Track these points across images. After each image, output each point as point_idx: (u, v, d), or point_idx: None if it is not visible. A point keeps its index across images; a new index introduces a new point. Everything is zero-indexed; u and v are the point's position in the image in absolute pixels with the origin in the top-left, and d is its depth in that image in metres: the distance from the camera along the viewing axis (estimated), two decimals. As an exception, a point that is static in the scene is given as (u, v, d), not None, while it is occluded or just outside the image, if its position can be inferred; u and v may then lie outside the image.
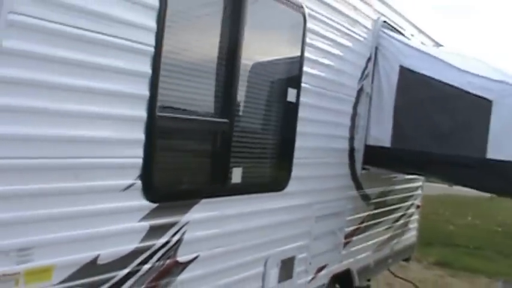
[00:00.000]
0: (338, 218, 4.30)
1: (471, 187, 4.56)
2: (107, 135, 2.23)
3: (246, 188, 3.15)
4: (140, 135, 2.36)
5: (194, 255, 2.75)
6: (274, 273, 3.44)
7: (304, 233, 3.81)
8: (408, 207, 6.07)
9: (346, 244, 4.46)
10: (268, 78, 3.41)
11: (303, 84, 3.55)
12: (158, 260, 2.52)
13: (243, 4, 2.87)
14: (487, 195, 9.85)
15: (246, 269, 3.19)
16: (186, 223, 2.67)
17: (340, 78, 4.08)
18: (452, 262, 8.41)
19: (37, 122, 1.96)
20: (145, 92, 2.35)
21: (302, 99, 3.54)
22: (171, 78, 2.50)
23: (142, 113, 2.35)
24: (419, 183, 6.43)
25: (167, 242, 2.57)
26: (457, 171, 4.20)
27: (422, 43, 5.58)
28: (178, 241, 2.64)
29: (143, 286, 2.45)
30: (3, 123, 1.87)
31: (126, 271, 2.35)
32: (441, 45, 6.27)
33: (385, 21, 4.64)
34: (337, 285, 4.49)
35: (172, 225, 2.59)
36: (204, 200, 2.78)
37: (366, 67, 4.44)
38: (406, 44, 4.61)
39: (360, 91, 4.38)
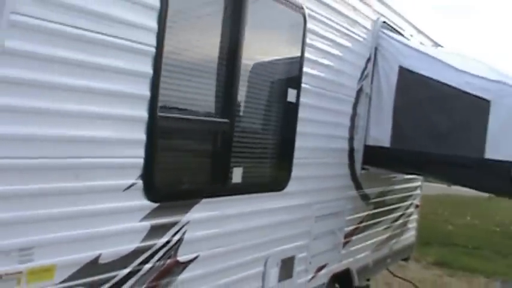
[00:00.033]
0: (338, 217, 4.31)
1: (469, 187, 4.58)
2: (108, 136, 2.24)
3: (247, 188, 3.16)
4: (141, 135, 2.37)
5: (195, 254, 2.76)
6: (274, 272, 3.45)
7: (304, 233, 3.82)
8: (407, 207, 6.08)
9: (345, 244, 4.47)
10: (268, 79, 3.42)
11: (303, 85, 3.55)
12: (159, 259, 2.53)
13: (243, 5, 2.88)
14: (486, 195, 9.88)
15: (246, 269, 3.21)
16: (187, 223, 2.68)
17: (340, 79, 4.09)
18: (451, 262, 8.43)
19: (39, 122, 1.97)
20: (147, 92, 2.36)
21: (302, 99, 3.55)
22: (172, 78, 2.51)
23: (143, 113, 2.36)
24: (418, 183, 6.44)
25: (168, 242, 2.58)
26: (456, 171, 4.21)
27: (421, 43, 5.59)
28: (179, 241, 2.65)
29: (144, 286, 2.46)
30: (7, 123, 1.87)
31: (127, 271, 2.36)
32: (440, 46, 6.28)
33: (384, 22, 4.66)
34: (337, 285, 4.50)
35: (173, 225, 2.60)
36: (204, 200, 2.79)
37: (366, 67, 4.45)
38: (406, 45, 4.62)
39: (359, 91, 4.39)
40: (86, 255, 2.18)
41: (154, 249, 2.50)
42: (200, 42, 2.80)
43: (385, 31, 4.60)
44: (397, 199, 5.65)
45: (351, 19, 4.13)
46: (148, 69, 2.35)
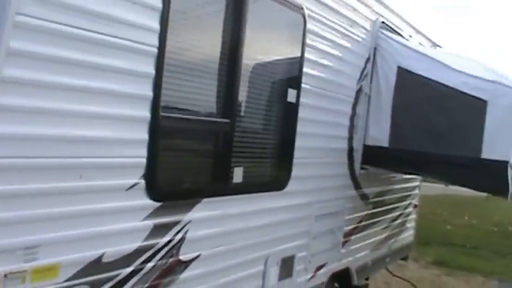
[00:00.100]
0: (337, 217, 4.33)
1: (467, 187, 4.61)
2: (111, 135, 2.26)
3: (247, 188, 3.18)
4: (144, 135, 2.39)
5: (196, 253, 2.78)
6: (274, 271, 3.47)
7: (303, 232, 3.84)
8: (406, 207, 6.10)
9: (345, 243, 4.49)
10: (268, 79, 3.44)
11: (303, 85, 3.58)
12: (161, 258, 2.55)
13: (244, 5, 2.91)
14: (484, 195, 9.90)
15: (247, 268, 3.23)
16: (189, 222, 2.70)
17: (340, 79, 4.11)
18: (449, 261, 8.46)
19: (45, 122, 1.99)
20: (149, 93, 2.38)
21: (302, 99, 3.57)
22: (174, 78, 2.53)
23: (146, 113, 2.38)
24: (417, 183, 6.47)
25: (170, 241, 2.60)
26: (453, 171, 4.24)
27: (420, 44, 5.62)
28: (181, 240, 2.67)
29: (146, 284, 2.48)
30: (20, 123, 1.89)
31: (130, 269, 2.38)
32: (438, 46, 6.31)
33: (383, 22, 4.68)
34: (336, 284, 4.52)
35: (175, 224, 2.62)
36: (206, 199, 2.81)
37: (365, 68, 4.47)
38: (404, 45, 4.64)
39: (358, 91, 4.41)
40: (89, 254, 2.20)
41: (156, 248, 2.52)
42: (201, 42, 2.82)
43: (384, 31, 4.62)
44: (396, 199, 5.67)
45: (351, 19, 4.15)
46: (151, 70, 2.37)
